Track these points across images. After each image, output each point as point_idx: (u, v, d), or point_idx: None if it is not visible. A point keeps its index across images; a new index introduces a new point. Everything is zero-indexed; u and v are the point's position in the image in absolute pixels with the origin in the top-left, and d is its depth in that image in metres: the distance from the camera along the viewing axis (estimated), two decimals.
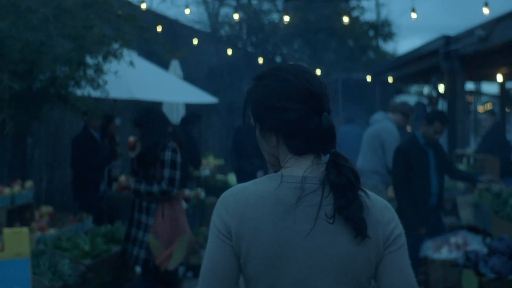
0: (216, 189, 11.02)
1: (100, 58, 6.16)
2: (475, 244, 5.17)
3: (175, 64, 11.30)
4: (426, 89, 21.56)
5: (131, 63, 6.42)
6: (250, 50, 12.85)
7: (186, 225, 4.99)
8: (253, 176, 7.77)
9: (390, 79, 13.25)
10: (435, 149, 5.47)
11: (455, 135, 10.12)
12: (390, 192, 6.52)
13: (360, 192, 1.59)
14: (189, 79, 11.45)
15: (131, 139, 5.05)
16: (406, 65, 12.18)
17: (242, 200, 1.61)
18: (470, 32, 9.23)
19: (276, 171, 1.68)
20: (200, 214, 8.91)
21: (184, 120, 9.74)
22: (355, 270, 1.58)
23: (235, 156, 9.42)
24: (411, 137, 5.47)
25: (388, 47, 34.56)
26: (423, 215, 5.35)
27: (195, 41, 11.31)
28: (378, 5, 19.37)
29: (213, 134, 13.99)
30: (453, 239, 5.18)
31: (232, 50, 12.51)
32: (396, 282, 1.61)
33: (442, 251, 5.21)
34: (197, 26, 13.39)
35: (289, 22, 11.52)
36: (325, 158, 1.64)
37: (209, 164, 11.95)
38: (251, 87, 1.71)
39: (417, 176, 5.28)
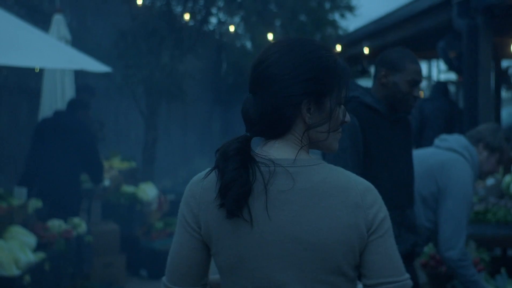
0: (120, 207, 7.30)
1: None
2: None
3: (58, 20, 7.45)
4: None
5: None
6: (174, 8, 9.15)
7: None
8: None
9: (366, 50, 9.62)
10: None
11: None
12: None
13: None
14: (86, 47, 7.70)
15: None
16: (394, 28, 8.55)
17: (209, 186, 1.46)
18: None
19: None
20: (74, 263, 5.18)
21: (73, 104, 6.20)
22: (335, 259, 1.43)
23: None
24: None
25: (349, 24, 31.28)
26: None
27: None
28: None
29: (124, 124, 10.20)
30: None
31: (148, 6, 8.87)
32: (385, 270, 1.46)
33: None
34: None
35: None
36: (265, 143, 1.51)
37: (112, 169, 8.16)
38: None
39: None
